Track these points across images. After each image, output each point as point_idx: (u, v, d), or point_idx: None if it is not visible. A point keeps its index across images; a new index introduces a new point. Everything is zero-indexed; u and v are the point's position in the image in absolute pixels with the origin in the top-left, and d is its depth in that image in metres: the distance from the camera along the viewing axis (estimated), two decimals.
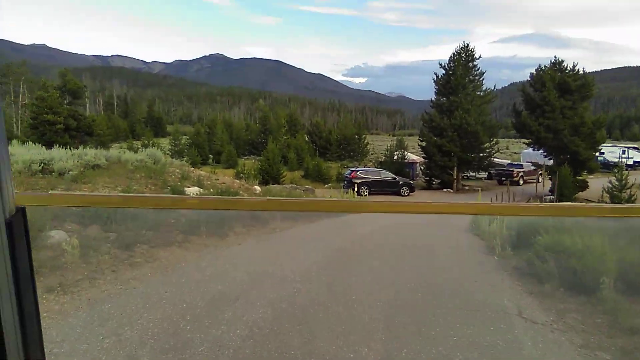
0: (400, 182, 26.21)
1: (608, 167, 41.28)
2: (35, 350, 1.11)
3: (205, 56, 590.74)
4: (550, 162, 40.65)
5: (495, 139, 32.01)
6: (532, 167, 37.05)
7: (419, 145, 33.52)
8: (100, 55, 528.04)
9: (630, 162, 49.25)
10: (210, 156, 50.49)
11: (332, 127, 63.87)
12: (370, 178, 25.70)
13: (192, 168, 12.22)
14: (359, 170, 26.75)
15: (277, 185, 21.82)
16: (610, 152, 47.39)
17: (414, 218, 10.78)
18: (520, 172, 34.91)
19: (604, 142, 30.95)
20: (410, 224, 10.38)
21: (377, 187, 25.44)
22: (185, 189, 8.66)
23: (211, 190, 9.35)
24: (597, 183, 26.78)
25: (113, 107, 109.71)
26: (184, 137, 54.43)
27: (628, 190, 20.62)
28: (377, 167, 32.98)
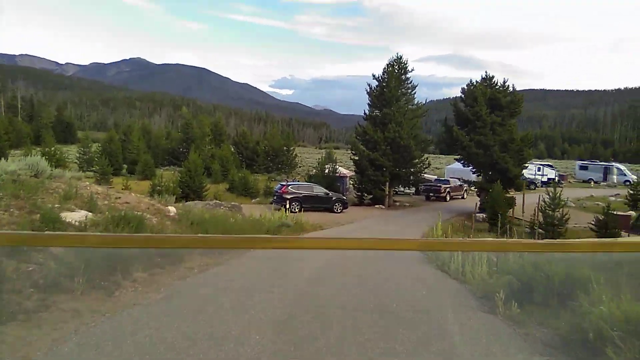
0: (334, 198, 24.67)
1: (526, 184, 42.77)
2: None
3: (124, 60, 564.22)
4: (473, 178, 41.46)
5: (425, 155, 31.67)
6: (459, 183, 37.32)
7: (351, 159, 32.37)
8: (6, 54, 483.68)
9: (544, 179, 51.83)
10: (125, 166, 46.29)
11: (260, 138, 61.63)
12: (302, 193, 23.90)
13: (87, 183, 9.67)
14: (290, 185, 24.87)
15: (199, 201, 19.32)
16: (527, 169, 49.34)
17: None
18: (447, 187, 34.91)
19: (530, 159, 31.54)
20: (357, 255, 8.54)
21: (309, 203, 23.69)
22: (66, 214, 6.28)
23: (107, 213, 7.00)
24: (518, 200, 26.97)
25: (17, 109, 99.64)
26: (95, 144, 49.69)
27: (561, 210, 20.51)
28: (308, 181, 31.31)
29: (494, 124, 26.85)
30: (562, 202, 20.88)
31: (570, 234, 20.49)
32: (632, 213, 25.72)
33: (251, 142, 54.58)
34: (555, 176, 53.81)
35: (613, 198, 40.46)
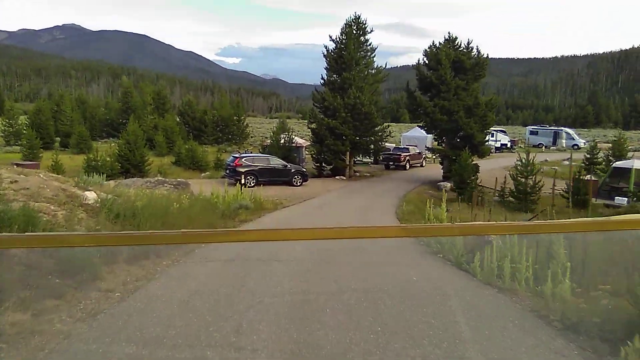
0: (292, 170, 22.61)
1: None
2: None
3: (58, 26, 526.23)
4: (428, 145, 40.45)
5: (387, 122, 30.09)
6: (417, 151, 36.24)
7: (309, 127, 30.29)
8: None
9: (498, 144, 51.94)
10: (58, 139, 42.00)
11: (207, 107, 57.93)
12: (257, 166, 21.64)
13: None
14: (244, 157, 22.47)
15: (139, 178, 16.66)
16: None
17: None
18: (407, 156, 33.72)
19: (493, 125, 30.55)
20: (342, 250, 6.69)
21: (266, 177, 21.55)
22: None
23: None
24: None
25: None
26: (25, 116, 44.82)
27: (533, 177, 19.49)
28: (262, 152, 29.02)
29: (457, 88, 25.45)
30: (536, 168, 19.91)
31: (543, 202, 19.59)
32: (589, 177, 25.34)
33: (198, 112, 51.04)
34: (508, 141, 54.18)
35: (567, 162, 40.74)
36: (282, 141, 29.06)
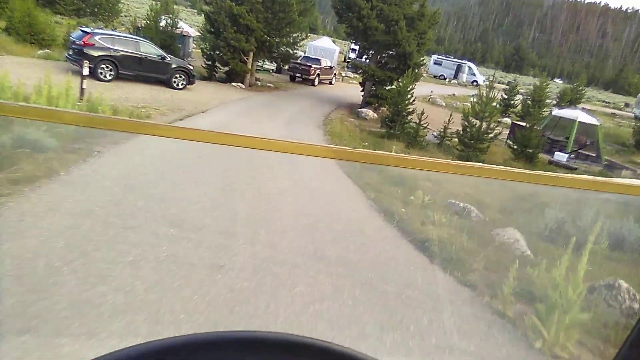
0: (174, 66, 15.68)
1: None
2: None
3: None
4: (335, 59, 34.99)
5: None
6: (329, 65, 30.88)
7: (202, 10, 22.82)
8: None
9: None
10: None
11: None
12: (119, 51, 14.33)
13: None
14: (100, 35, 14.74)
15: None
16: None
17: None
18: (317, 69, 28.15)
19: (430, 44, 25.75)
20: None
21: (132, 69, 14.53)
22: None
23: None
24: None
25: None
26: None
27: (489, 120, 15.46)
28: (134, 34, 21.16)
29: None
30: (496, 111, 15.94)
31: (493, 153, 15.91)
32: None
33: None
34: None
35: (473, 99, 38.49)
36: (164, 24, 21.44)
